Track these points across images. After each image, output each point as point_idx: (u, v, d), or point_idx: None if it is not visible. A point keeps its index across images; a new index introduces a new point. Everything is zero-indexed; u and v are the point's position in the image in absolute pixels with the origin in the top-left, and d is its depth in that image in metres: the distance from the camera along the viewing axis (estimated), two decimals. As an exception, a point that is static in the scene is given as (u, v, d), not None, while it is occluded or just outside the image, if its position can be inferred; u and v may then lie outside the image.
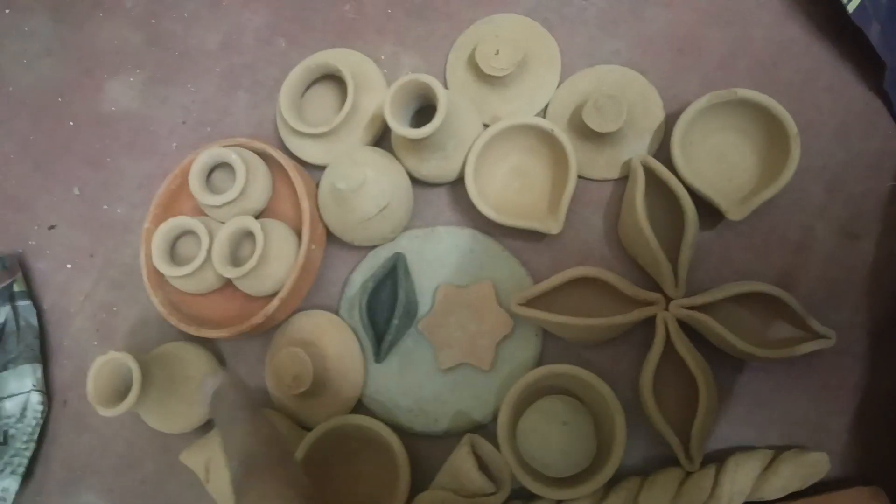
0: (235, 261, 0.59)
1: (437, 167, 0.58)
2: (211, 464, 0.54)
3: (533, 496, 0.53)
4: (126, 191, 0.70)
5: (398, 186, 0.57)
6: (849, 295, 0.56)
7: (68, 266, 0.69)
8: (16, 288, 0.66)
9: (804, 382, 0.55)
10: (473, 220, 0.61)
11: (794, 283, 0.54)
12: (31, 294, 0.68)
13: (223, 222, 0.60)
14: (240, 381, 0.51)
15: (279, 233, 0.58)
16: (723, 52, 0.61)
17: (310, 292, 0.62)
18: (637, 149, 0.59)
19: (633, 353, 0.57)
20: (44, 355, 0.66)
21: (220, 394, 0.49)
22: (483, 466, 0.53)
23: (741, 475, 0.51)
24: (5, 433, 0.63)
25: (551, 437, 0.55)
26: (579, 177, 0.59)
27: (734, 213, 0.54)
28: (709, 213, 0.56)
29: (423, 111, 0.59)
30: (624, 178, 0.60)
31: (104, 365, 0.54)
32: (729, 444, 0.55)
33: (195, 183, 0.59)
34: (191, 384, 0.58)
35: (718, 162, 0.58)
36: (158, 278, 0.62)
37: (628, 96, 0.58)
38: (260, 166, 0.61)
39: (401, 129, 0.53)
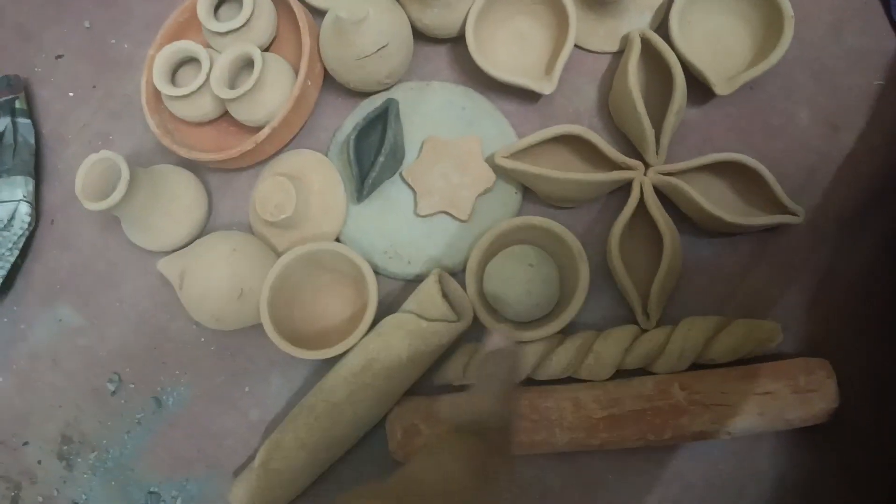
0: (233, 88, 0.60)
1: (439, 16, 0.59)
2: (186, 272, 0.56)
3: (493, 337, 0.55)
4: (134, 28, 0.71)
5: (398, 30, 0.58)
6: (823, 182, 0.57)
7: (70, 94, 0.70)
8: (17, 105, 0.68)
9: (768, 259, 0.56)
10: (470, 80, 0.62)
11: (772, 166, 0.55)
12: (31, 116, 0.69)
13: (226, 55, 0.61)
14: (518, 359, 0.47)
15: (278, 65, 0.60)
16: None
17: (301, 135, 0.63)
18: (637, 23, 0.60)
19: (608, 219, 0.58)
20: (37, 176, 0.68)
21: (499, 353, 0.43)
22: (447, 303, 0.55)
23: (694, 334, 0.52)
24: (-9, 238, 0.64)
25: (517, 276, 0.56)
26: (577, 47, 0.61)
27: (722, 87, 0.55)
28: (698, 91, 0.58)
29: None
30: (621, 53, 0.61)
31: (95, 164, 0.56)
32: (687, 313, 0.56)
33: (203, 8, 0.60)
34: (177, 203, 0.60)
35: (714, 43, 0.59)
36: (157, 103, 0.63)
37: (635, -32, 0.60)
38: (267, 3, 0.62)
39: (407, -38, 0.54)
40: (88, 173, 0.56)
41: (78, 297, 0.65)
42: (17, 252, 0.64)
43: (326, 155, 0.63)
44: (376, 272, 0.58)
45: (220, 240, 0.57)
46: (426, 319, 0.52)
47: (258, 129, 0.60)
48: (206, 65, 0.60)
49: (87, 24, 0.72)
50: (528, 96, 0.61)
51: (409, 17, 0.60)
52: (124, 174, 0.54)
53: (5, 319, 0.65)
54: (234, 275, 0.55)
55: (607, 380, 0.53)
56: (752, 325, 0.53)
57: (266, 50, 0.63)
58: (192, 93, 0.60)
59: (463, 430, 0.39)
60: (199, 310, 0.56)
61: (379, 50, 0.57)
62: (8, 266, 0.64)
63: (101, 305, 0.64)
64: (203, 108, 0.61)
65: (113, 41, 0.71)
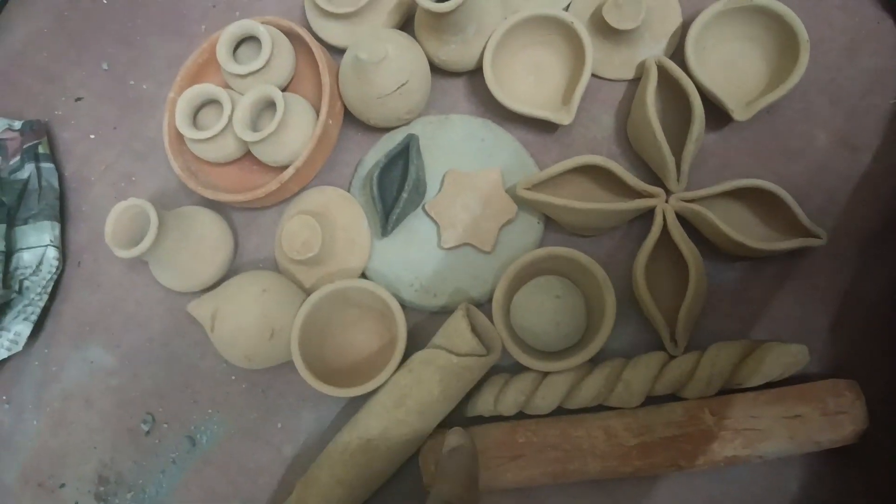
0: (255, 130, 0.61)
1: (457, 52, 0.60)
2: (217, 314, 0.57)
3: (522, 368, 0.56)
4: (154, 69, 0.72)
5: (417, 67, 0.59)
6: (843, 204, 0.57)
7: (92, 136, 0.71)
8: (41, 150, 0.69)
9: (792, 282, 0.57)
10: (488, 112, 0.63)
11: (791, 189, 0.56)
12: (54, 159, 0.70)
13: (246, 95, 0.62)
14: (475, 453, 0.52)
15: (299, 105, 0.61)
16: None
17: (323, 171, 0.64)
18: (653, 50, 0.61)
19: (630, 247, 0.59)
20: (62, 218, 0.69)
21: (459, 450, 0.50)
22: (476, 336, 0.56)
23: (722, 359, 0.53)
24: (21, 283, 0.65)
25: (544, 307, 0.57)
26: (594, 76, 0.61)
27: (740, 113, 0.56)
28: (716, 116, 0.58)
29: None
30: (637, 80, 0.61)
31: (124, 211, 0.57)
32: (714, 338, 0.56)
33: (222, 52, 0.61)
34: (203, 244, 0.61)
35: (729, 68, 0.59)
36: (179, 145, 0.64)
37: (648, -1, 0.60)
38: (285, 44, 0.63)
39: (425, 1, 0.55)
40: (117, 220, 0.57)
41: (108, 338, 0.65)
42: (46, 297, 0.65)
43: (349, 189, 0.64)
44: (402, 305, 0.59)
45: (250, 280, 0.57)
46: (456, 354, 0.53)
47: (282, 167, 0.61)
48: (227, 107, 0.61)
49: (105, 66, 0.73)
50: (546, 126, 0.62)
51: (426, 54, 0.61)
52: (153, 221, 0.55)
53: (37, 362, 0.66)
54: (264, 315, 0.56)
55: (637, 407, 0.54)
56: (778, 348, 0.53)
57: (285, 88, 0.64)
58: (215, 136, 0.61)
59: None
60: (230, 350, 0.57)
61: (399, 88, 0.58)
62: (38, 311, 0.65)
63: (132, 345, 0.65)
64: (226, 149, 0.62)
65: (132, 82, 0.72)
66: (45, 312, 0.67)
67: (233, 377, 0.62)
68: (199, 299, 0.59)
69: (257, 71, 0.61)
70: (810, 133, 0.59)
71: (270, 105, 0.61)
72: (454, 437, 0.51)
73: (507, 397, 0.55)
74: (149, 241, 0.55)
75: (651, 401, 0.54)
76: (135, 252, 0.55)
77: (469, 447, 0.51)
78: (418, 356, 0.55)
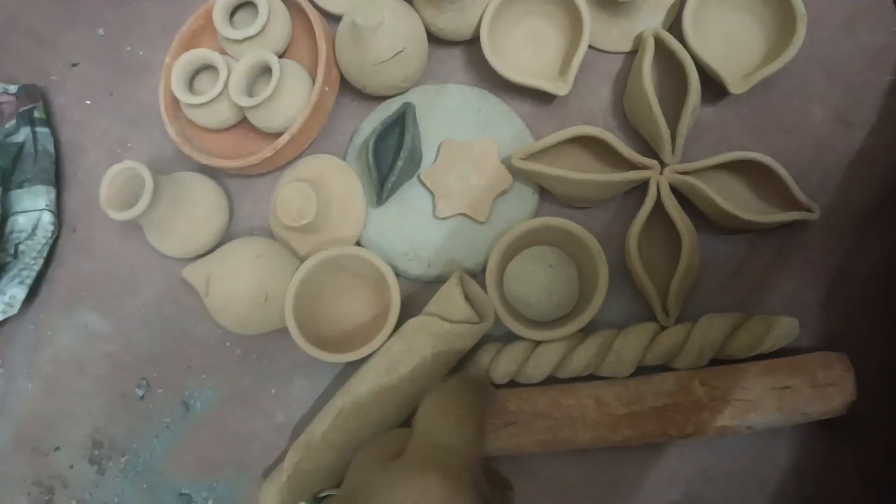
0: (251, 96, 0.61)
1: (454, 20, 0.59)
2: (211, 278, 0.57)
3: (514, 337, 0.56)
4: (149, 34, 0.71)
5: (414, 34, 0.59)
6: (838, 179, 0.58)
7: (87, 102, 0.71)
8: (36, 114, 0.68)
9: (785, 256, 0.57)
10: (484, 82, 0.63)
11: (786, 163, 0.56)
12: (49, 124, 0.70)
13: (242, 61, 0.62)
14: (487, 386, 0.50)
15: (295, 71, 0.60)
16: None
17: (318, 139, 0.64)
18: (650, 23, 0.61)
19: (625, 218, 0.59)
20: (57, 184, 0.68)
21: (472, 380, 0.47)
22: (469, 304, 0.56)
23: (713, 330, 0.53)
24: (16, 247, 0.65)
25: (537, 276, 0.57)
26: (591, 47, 0.61)
27: (736, 86, 0.56)
28: (712, 89, 0.58)
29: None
30: (634, 52, 0.61)
31: (119, 174, 0.57)
32: (706, 311, 0.57)
33: (218, 17, 0.61)
34: (198, 209, 0.61)
35: (727, 42, 0.59)
36: (175, 111, 0.64)
37: (647, -33, 0.60)
38: (281, 9, 0.62)
39: (422, -33, 0.54)
40: (112, 183, 0.56)
41: (102, 303, 0.65)
42: (41, 261, 0.65)
43: (344, 158, 0.64)
44: (397, 274, 0.59)
45: (244, 246, 0.58)
46: (449, 321, 0.53)
47: (277, 134, 0.60)
48: (223, 73, 0.60)
49: (101, 32, 0.72)
50: (542, 97, 0.62)
51: (423, 21, 0.61)
52: (148, 184, 0.55)
53: (31, 327, 0.66)
54: (258, 280, 0.56)
55: (628, 377, 0.54)
56: (769, 321, 0.53)
57: (281, 55, 0.64)
58: (211, 101, 0.60)
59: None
60: (224, 315, 0.57)
61: (395, 55, 0.58)
62: (34, 275, 0.65)
63: (126, 311, 0.65)
64: (221, 115, 0.62)
65: (128, 48, 0.71)
66: (40, 278, 0.67)
67: (227, 343, 0.62)
68: (194, 264, 0.59)
69: (253, 36, 0.60)
70: (806, 108, 0.59)
71: (266, 71, 0.61)
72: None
73: (498, 365, 0.55)
74: (144, 204, 0.55)
75: (642, 371, 0.55)
76: (130, 214, 0.55)
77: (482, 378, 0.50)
78: (411, 323, 0.55)
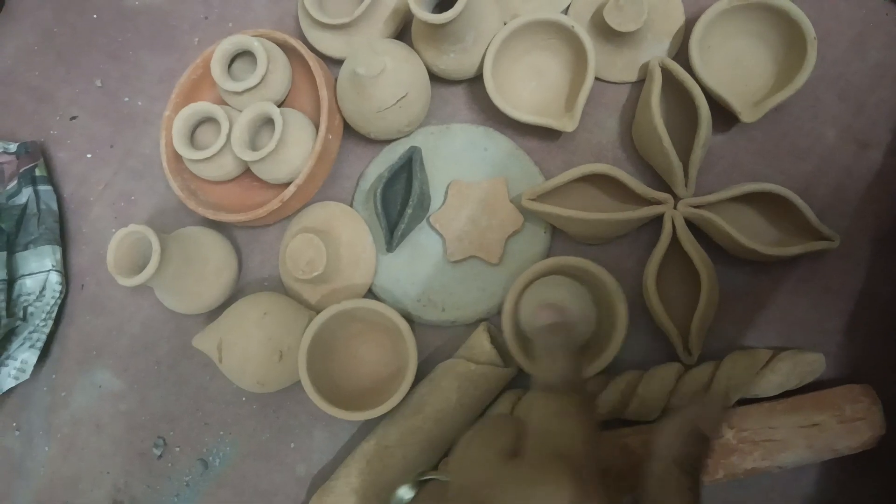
0: (254, 148, 0.60)
1: (456, 60, 0.58)
2: (222, 344, 0.56)
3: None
4: (147, 84, 0.70)
5: (416, 78, 0.58)
6: (855, 202, 0.56)
7: (88, 156, 0.70)
8: (37, 172, 0.68)
9: (805, 285, 0.56)
10: (489, 119, 0.62)
11: (801, 189, 0.55)
12: (51, 181, 0.69)
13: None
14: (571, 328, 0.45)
15: (297, 121, 0.59)
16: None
17: (324, 186, 0.63)
18: (656, 52, 0.60)
19: (639, 253, 0.58)
20: (63, 241, 0.68)
21: (557, 328, 0.43)
22: (495, 349, 0.55)
23: (738, 371, 0.52)
24: (25, 310, 0.65)
25: (548, 298, 0.56)
26: (596, 79, 0.60)
27: (747, 114, 0.55)
28: (722, 117, 0.57)
29: (444, 4, 0.59)
30: (641, 82, 0.60)
31: (125, 238, 0.56)
32: (728, 344, 0.56)
33: (217, 68, 0.60)
34: (207, 266, 0.60)
35: (735, 67, 0.58)
36: (177, 164, 0.63)
37: (650, -2, 0.59)
38: (280, 57, 0.62)
39: (422, 13, 0.53)
40: (118, 247, 0.56)
41: (115, 361, 0.65)
42: (51, 322, 0.65)
43: (351, 203, 0.63)
44: (410, 320, 0.58)
45: (250, 306, 0.57)
46: (475, 363, 0.53)
47: (283, 184, 0.60)
48: (224, 126, 0.60)
49: (98, 83, 0.71)
50: (549, 132, 0.61)
51: (425, 63, 0.60)
52: (155, 247, 0.54)
53: (45, 388, 0.66)
54: (269, 339, 0.55)
55: (654, 420, 0.53)
56: (795, 359, 0.52)
57: (282, 102, 0.63)
58: (214, 155, 0.59)
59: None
60: (242, 378, 0.56)
61: (398, 101, 0.57)
62: (44, 337, 0.64)
63: (139, 368, 0.64)
64: (225, 167, 0.61)
65: (126, 99, 0.71)
66: (51, 337, 0.66)
67: (243, 398, 0.62)
68: (203, 332, 0.58)
69: (253, 87, 0.60)
70: (819, 130, 0.58)
71: (269, 121, 0.60)
72: (544, 314, 0.44)
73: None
74: (151, 269, 0.54)
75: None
76: (138, 280, 0.54)
77: (562, 323, 0.43)
78: (439, 366, 0.55)
